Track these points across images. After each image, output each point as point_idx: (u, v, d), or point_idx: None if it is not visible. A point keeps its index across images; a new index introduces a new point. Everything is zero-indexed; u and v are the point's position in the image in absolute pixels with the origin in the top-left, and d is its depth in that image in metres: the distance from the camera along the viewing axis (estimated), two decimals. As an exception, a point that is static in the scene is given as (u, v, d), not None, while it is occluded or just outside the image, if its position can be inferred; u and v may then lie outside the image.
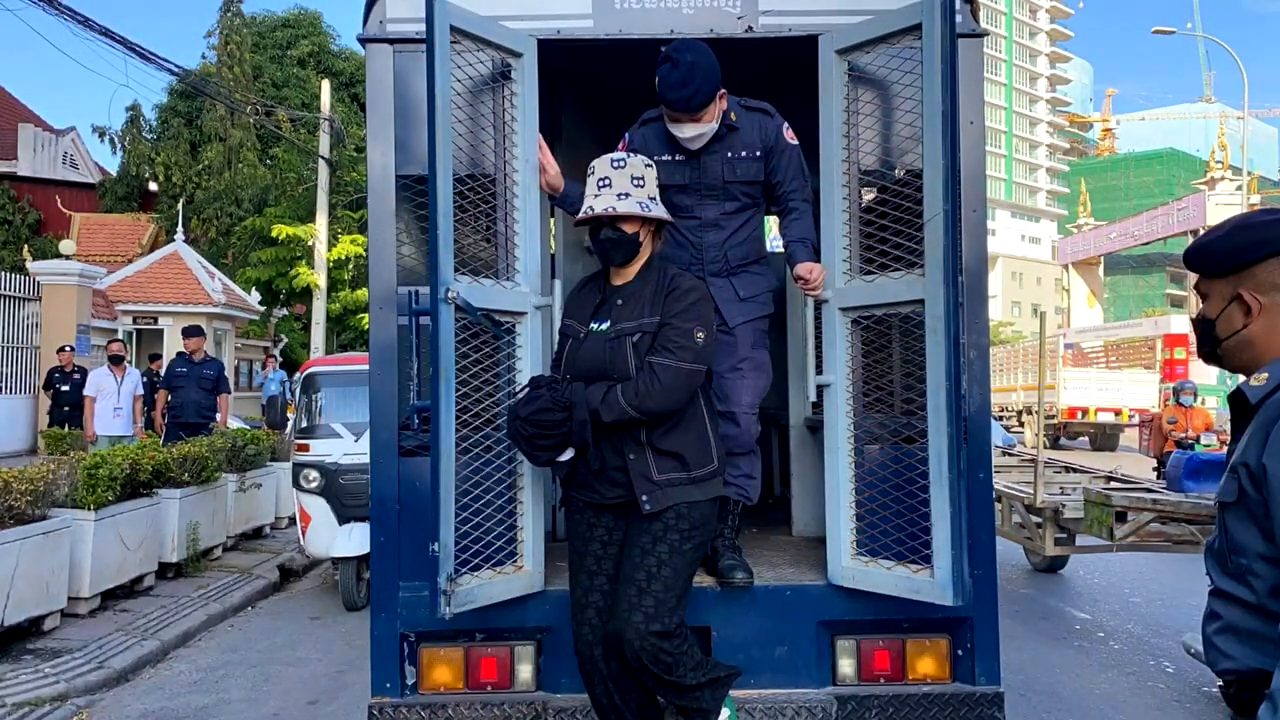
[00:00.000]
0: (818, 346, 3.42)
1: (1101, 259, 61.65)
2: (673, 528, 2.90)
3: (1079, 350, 35.51)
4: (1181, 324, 33.83)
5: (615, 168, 2.96)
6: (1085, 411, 26.71)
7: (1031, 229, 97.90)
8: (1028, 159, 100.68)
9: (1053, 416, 26.49)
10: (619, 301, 3.01)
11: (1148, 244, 55.56)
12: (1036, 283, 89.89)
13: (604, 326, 3.00)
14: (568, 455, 2.92)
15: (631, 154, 3.03)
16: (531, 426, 2.85)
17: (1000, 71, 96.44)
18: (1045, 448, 25.34)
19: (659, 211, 3.01)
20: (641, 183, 2.98)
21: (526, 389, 2.97)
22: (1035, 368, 28.73)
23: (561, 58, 3.88)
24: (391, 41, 3.31)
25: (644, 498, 2.89)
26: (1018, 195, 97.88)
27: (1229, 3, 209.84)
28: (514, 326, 3.29)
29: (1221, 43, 37.33)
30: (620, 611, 2.85)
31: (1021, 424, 28.79)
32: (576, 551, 3.08)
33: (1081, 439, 28.21)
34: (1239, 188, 40.63)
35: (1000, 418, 28.09)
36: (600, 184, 2.96)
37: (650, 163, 3.07)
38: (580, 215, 3.03)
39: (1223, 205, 42.57)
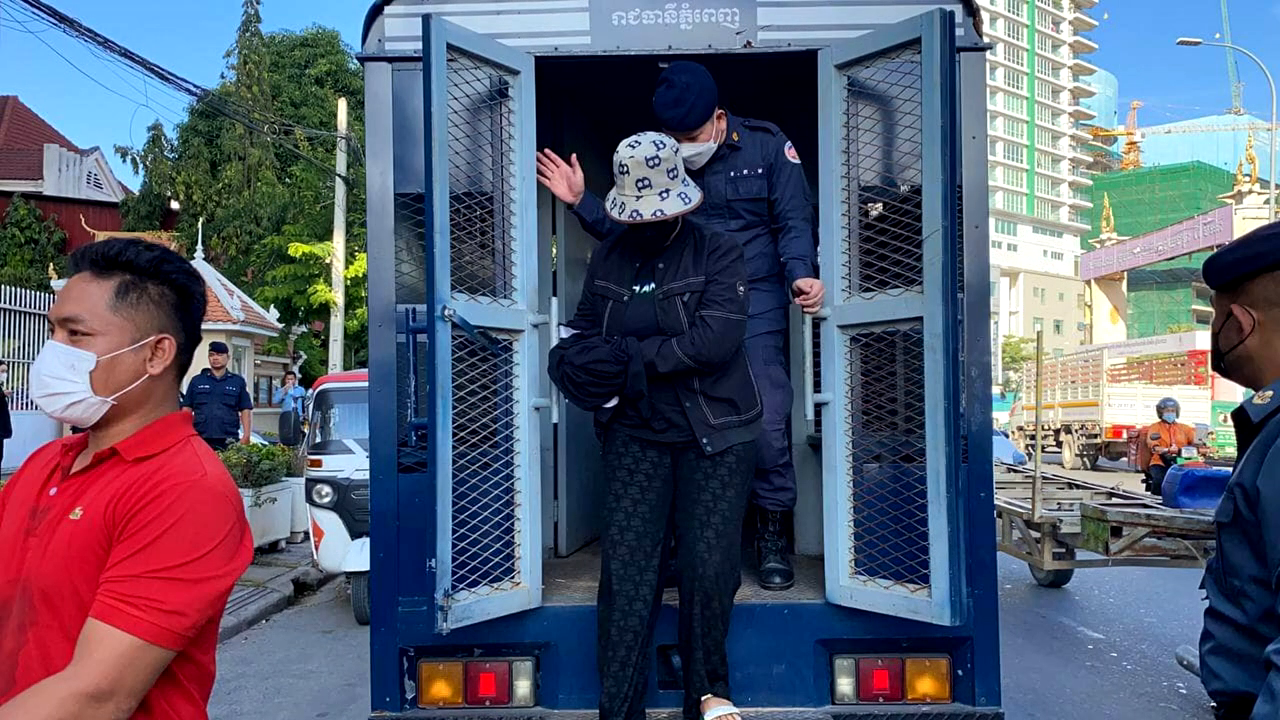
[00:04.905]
0: (816, 364, 3.42)
1: (1125, 274, 61.21)
2: (735, 470, 3.11)
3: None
4: (1206, 340, 33.29)
5: (651, 166, 2.93)
6: (1131, 430, 25.69)
7: (1054, 244, 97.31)
8: (1050, 173, 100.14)
9: (1095, 435, 26.00)
10: (660, 265, 3.10)
11: (1172, 259, 55.07)
12: (1059, 298, 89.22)
13: (649, 289, 3.09)
14: (613, 403, 3.10)
15: (659, 144, 2.95)
16: (586, 374, 3.04)
17: (1023, 84, 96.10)
18: (1085, 468, 24.59)
19: (698, 196, 3.05)
20: (675, 172, 2.98)
21: (571, 337, 3.18)
22: (1073, 384, 28.40)
23: (564, 77, 3.90)
24: (390, 60, 3.34)
25: (704, 440, 3.07)
26: (1040, 210, 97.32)
27: (1258, 12, 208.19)
28: (511, 344, 3.29)
29: (1249, 53, 37.11)
30: (699, 552, 3.05)
31: (1059, 444, 27.91)
32: (620, 479, 3.15)
33: (1123, 459, 25.96)
34: (1267, 201, 40.23)
35: (1026, 434, 27.46)
36: (640, 184, 2.94)
37: (676, 144, 3.03)
38: (626, 219, 2.99)
39: (1250, 219, 42.09)
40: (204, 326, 1.94)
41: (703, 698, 3.07)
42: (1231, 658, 1.70)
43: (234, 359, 17.90)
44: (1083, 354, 32.32)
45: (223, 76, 30.72)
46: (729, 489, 3.10)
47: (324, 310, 21.40)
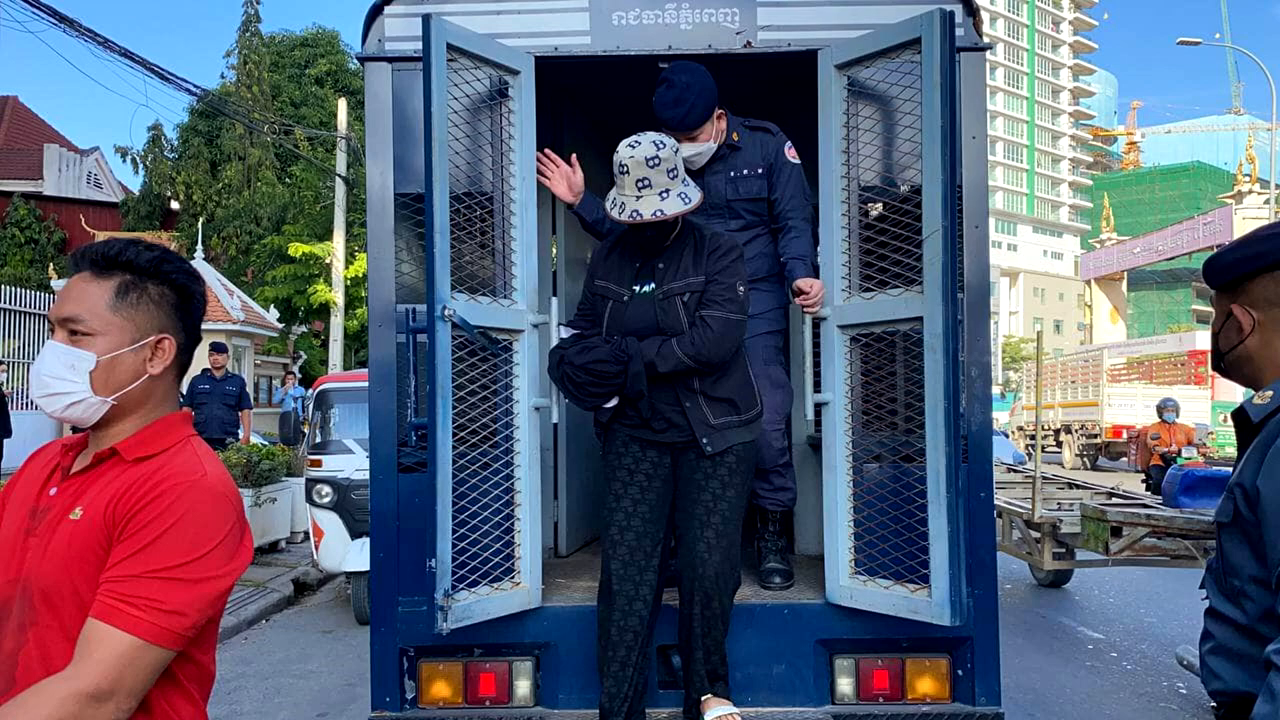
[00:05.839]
0: (816, 364, 3.42)
1: (1125, 274, 61.18)
2: (735, 470, 3.11)
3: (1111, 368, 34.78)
4: (1206, 340, 33.14)
5: (651, 166, 2.92)
6: (1131, 430, 25.65)
7: (1054, 244, 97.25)
8: (1050, 173, 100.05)
9: (1095, 435, 25.96)
10: (660, 265, 3.10)
11: (1172, 259, 55.01)
12: (1059, 298, 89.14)
13: (649, 289, 3.09)
14: (613, 403, 3.10)
15: (659, 144, 2.94)
16: (586, 374, 3.03)
17: (1023, 85, 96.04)
18: (1085, 468, 24.53)
19: (698, 196, 3.04)
20: (675, 172, 2.97)
21: (571, 337, 3.17)
22: (1074, 384, 28.39)
23: (564, 77, 3.90)
24: (390, 60, 3.33)
25: (704, 440, 3.06)
26: (1040, 210, 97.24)
27: (1258, 12, 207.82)
28: (511, 344, 3.29)
29: (1249, 53, 37.11)
30: (700, 552, 3.05)
31: (1059, 444, 27.88)
32: (620, 480, 3.15)
33: (1123, 459, 26.14)
34: (1267, 201, 40.21)
35: (1026, 434, 27.44)
36: (640, 184, 2.93)
37: (676, 144, 3.03)
38: (626, 219, 2.98)
39: (1250, 219, 42.03)
40: (204, 326, 1.94)
41: (703, 698, 3.08)
42: (1231, 658, 1.69)
43: (234, 359, 17.90)
44: (1083, 354, 32.24)
45: (223, 76, 30.73)
46: (729, 489, 3.10)
47: (324, 310, 21.39)
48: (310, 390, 9.01)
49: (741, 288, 3.06)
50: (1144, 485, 13.47)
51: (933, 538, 3.01)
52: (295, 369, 23.69)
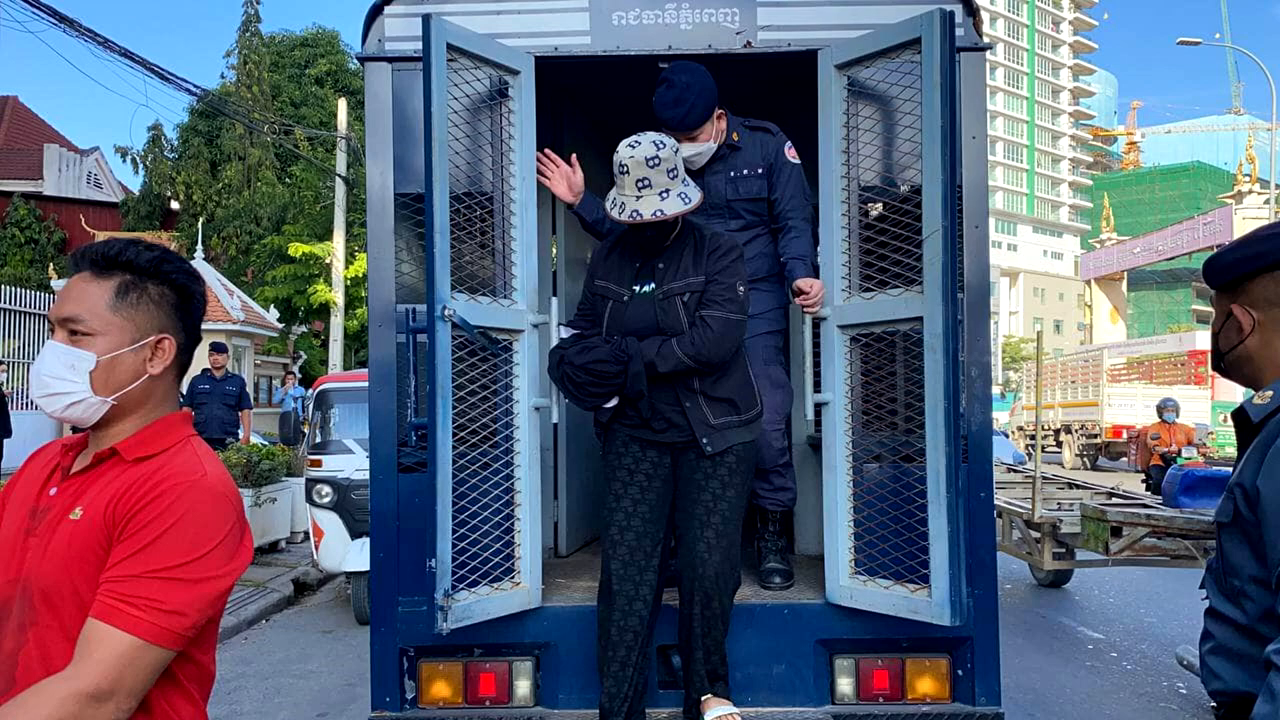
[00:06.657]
0: (816, 364, 3.42)
1: (1125, 274, 61.18)
2: (735, 470, 3.11)
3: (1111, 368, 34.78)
4: (1206, 340, 33.11)
5: (651, 166, 2.92)
6: (1131, 430, 25.68)
7: (1054, 244, 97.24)
8: (1050, 173, 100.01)
9: (1095, 435, 25.99)
10: (660, 265, 3.10)
11: (1172, 259, 55.00)
12: (1059, 298, 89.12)
13: (649, 289, 3.09)
14: (613, 403, 3.10)
15: (659, 144, 2.94)
16: (586, 374, 3.03)
17: (1023, 84, 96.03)
18: (1085, 468, 24.55)
19: (698, 196, 3.04)
20: (675, 172, 2.97)
21: (571, 337, 3.17)
22: (1073, 384, 28.43)
23: (564, 77, 3.90)
24: (390, 60, 3.33)
25: (704, 440, 3.06)
26: (1040, 210, 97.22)
27: (1258, 12, 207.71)
28: (511, 344, 3.29)
29: (1249, 53, 37.11)
30: (700, 552, 3.05)
31: (1059, 444, 27.93)
32: (620, 479, 3.15)
33: (1123, 459, 26.18)
34: (1267, 201, 40.22)
35: (1026, 434, 27.47)
36: (640, 184, 2.93)
37: (676, 144, 3.02)
38: (626, 219, 2.98)
39: (1250, 219, 42.04)
40: (204, 326, 1.94)
41: (703, 698, 3.08)
42: (1231, 658, 1.69)
43: (234, 359, 17.89)
44: (1083, 354, 32.24)
45: (223, 76, 30.73)
46: (729, 489, 3.10)
47: (324, 310, 21.39)
48: (310, 390, 9.01)
49: (741, 288, 3.06)
50: (1144, 485, 13.51)
51: (933, 538, 3.02)
52: (295, 369, 23.68)
